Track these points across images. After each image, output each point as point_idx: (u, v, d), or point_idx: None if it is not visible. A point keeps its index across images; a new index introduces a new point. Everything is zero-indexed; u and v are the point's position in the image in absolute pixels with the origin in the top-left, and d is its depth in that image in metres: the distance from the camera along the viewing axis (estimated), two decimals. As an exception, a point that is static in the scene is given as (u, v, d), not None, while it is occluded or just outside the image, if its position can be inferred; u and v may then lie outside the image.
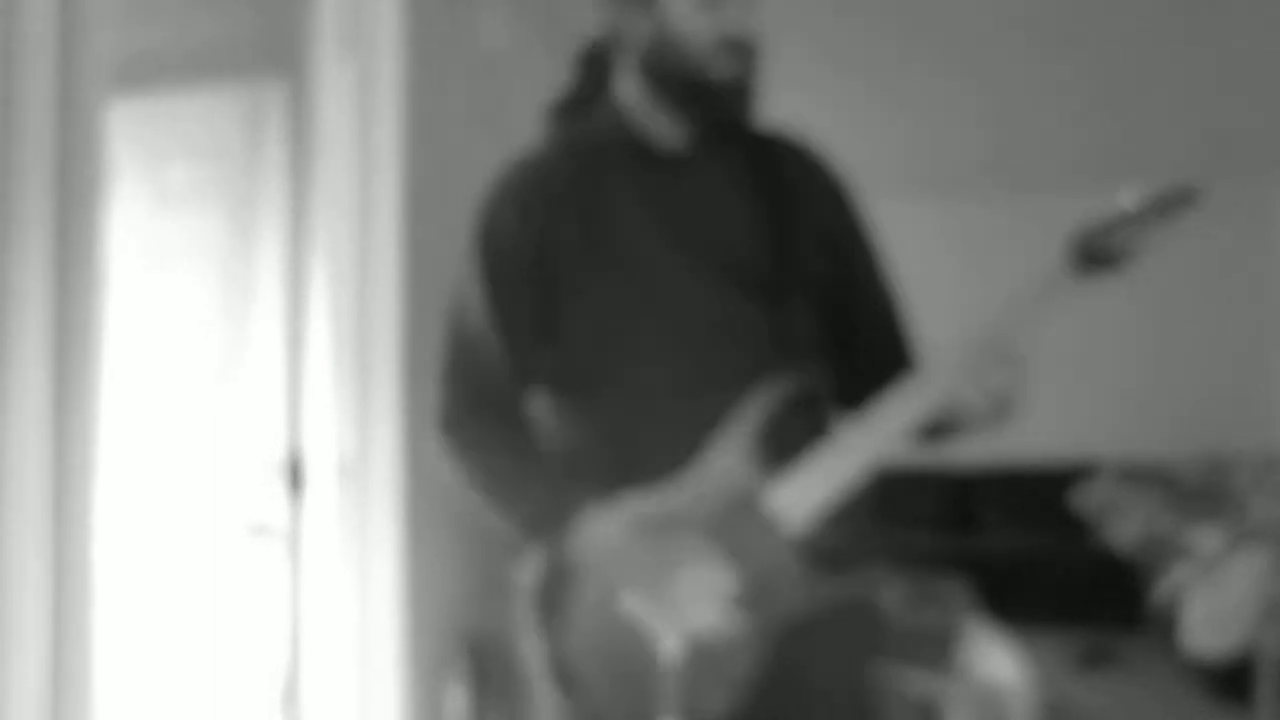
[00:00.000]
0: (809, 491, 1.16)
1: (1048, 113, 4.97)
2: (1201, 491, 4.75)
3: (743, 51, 1.22)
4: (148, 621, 2.29)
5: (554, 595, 1.20)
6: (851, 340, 1.34)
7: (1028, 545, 5.41)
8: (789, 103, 1.47)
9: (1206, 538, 4.11)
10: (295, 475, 2.15)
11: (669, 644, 1.13)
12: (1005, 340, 1.18)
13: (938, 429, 1.26)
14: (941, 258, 5.74)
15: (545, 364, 1.28)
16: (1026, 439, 5.83)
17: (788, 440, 1.18)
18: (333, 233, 2.12)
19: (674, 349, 1.22)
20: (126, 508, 2.21)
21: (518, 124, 2.71)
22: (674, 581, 1.12)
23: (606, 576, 1.15)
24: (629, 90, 1.30)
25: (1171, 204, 1.17)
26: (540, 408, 1.31)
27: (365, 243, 2.13)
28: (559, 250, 1.25)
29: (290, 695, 2.14)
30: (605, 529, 1.15)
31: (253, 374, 2.28)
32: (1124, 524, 4.67)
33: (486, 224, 1.30)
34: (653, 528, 1.14)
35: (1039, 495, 5.61)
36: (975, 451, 6.03)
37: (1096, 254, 1.18)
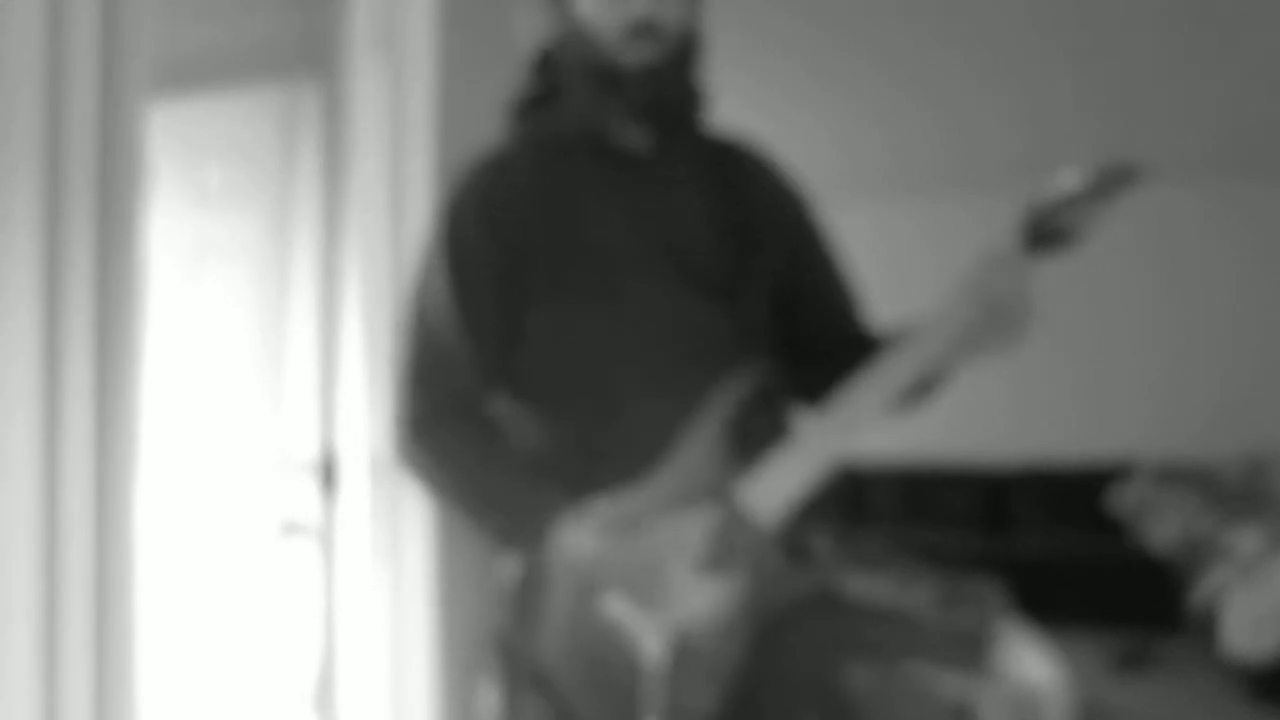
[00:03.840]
0: (776, 486, 1.16)
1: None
2: (1240, 492, 4.69)
3: (656, 36, 1.23)
4: (182, 619, 2.31)
5: (529, 599, 1.21)
6: (808, 337, 1.37)
7: (1064, 546, 5.36)
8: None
9: (1245, 539, 4.06)
10: (328, 473, 2.17)
11: (653, 645, 1.13)
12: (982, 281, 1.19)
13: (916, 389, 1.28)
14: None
15: (511, 366, 1.28)
16: (1063, 439, 5.78)
17: (752, 437, 1.20)
18: (367, 232, 2.13)
19: (638, 349, 1.23)
20: (161, 505, 2.23)
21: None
22: (659, 579, 1.13)
23: (584, 581, 1.15)
24: (582, 89, 1.30)
25: (1112, 182, 1.15)
26: (505, 411, 1.31)
27: (399, 242, 2.14)
28: (525, 250, 1.26)
29: (323, 692, 2.16)
30: (579, 536, 1.15)
31: (287, 372, 2.30)
32: (1161, 524, 4.62)
33: (451, 224, 1.30)
34: (628, 529, 1.15)
35: (1075, 495, 5.56)
36: (1011, 451, 5.99)
37: (1045, 232, 1.17)
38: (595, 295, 1.24)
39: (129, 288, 1.33)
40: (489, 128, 2.52)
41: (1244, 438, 5.38)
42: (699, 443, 1.18)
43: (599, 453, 1.23)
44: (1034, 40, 4.12)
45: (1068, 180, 1.17)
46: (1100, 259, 5.33)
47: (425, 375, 1.29)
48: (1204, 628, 4.13)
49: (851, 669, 1.31)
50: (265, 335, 2.34)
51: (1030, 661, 2.32)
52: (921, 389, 1.30)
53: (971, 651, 1.37)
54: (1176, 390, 5.74)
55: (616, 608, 1.14)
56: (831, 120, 4.95)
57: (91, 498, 1.26)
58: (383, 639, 2.08)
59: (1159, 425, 5.72)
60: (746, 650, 1.16)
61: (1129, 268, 5.67)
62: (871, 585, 1.37)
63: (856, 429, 1.19)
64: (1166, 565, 4.67)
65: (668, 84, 1.26)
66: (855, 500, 5.64)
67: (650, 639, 1.13)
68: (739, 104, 1.43)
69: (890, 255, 5.66)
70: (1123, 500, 4.94)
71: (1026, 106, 4.83)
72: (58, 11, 1.25)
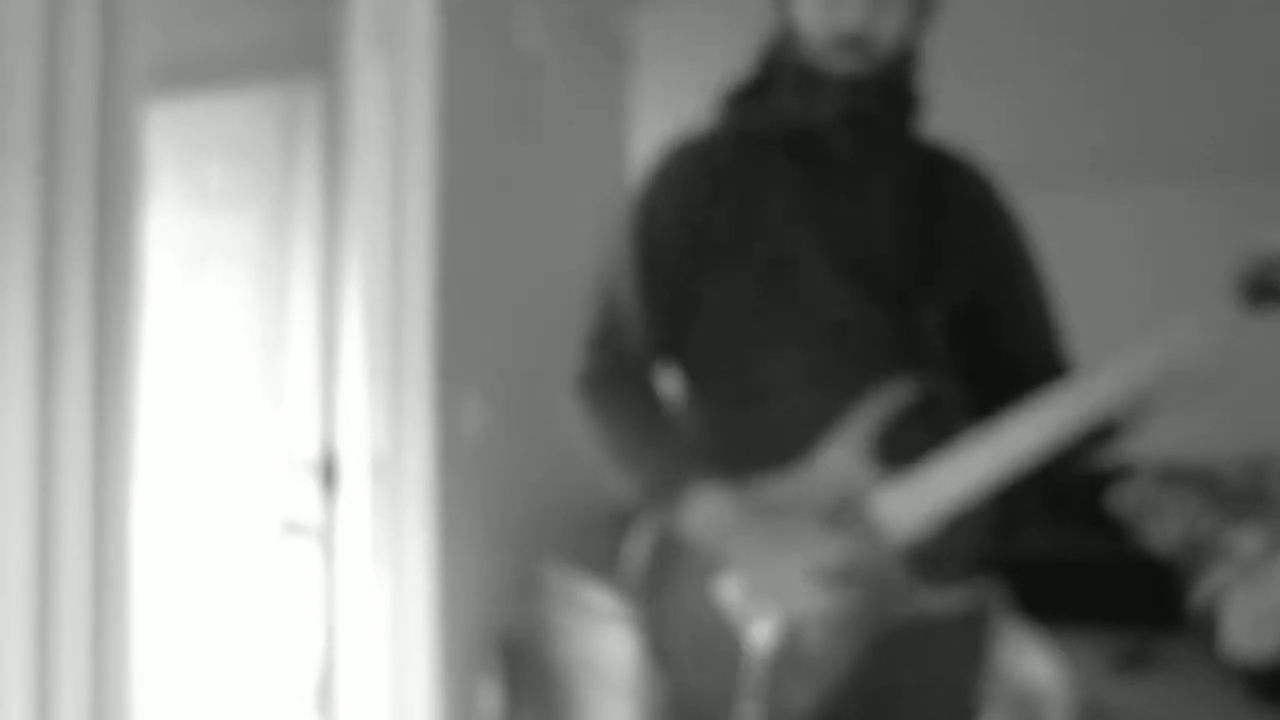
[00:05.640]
0: (922, 500, 1.15)
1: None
2: (1241, 492, 4.69)
3: (864, 48, 1.21)
4: (183, 618, 2.31)
5: (660, 569, 1.23)
6: (997, 360, 1.32)
7: (1064, 546, 5.36)
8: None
9: (1246, 539, 4.05)
10: (329, 473, 2.17)
11: (760, 631, 1.14)
12: (1173, 377, 1.13)
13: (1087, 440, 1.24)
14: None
15: (683, 342, 1.30)
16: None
17: (909, 447, 1.18)
18: (367, 232, 2.13)
19: (801, 344, 1.23)
20: (162, 505, 2.23)
21: (551, 123, 2.72)
22: (778, 564, 1.13)
23: (711, 555, 1.18)
24: (789, 89, 1.29)
25: None
26: (673, 384, 1.33)
27: (399, 242, 2.14)
28: (710, 233, 1.27)
29: (324, 692, 2.16)
30: (716, 507, 1.16)
31: (287, 372, 2.30)
32: (1162, 525, 4.62)
33: (646, 198, 1.31)
34: (761, 513, 1.16)
35: (1076, 495, 5.55)
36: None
37: (1271, 287, 1.08)
38: (767, 287, 1.25)
39: (127, 288, 1.33)
40: (488, 126, 2.53)
41: (1244, 438, 5.37)
42: (845, 445, 1.18)
43: (745, 438, 1.24)
44: (1032, 40, 4.11)
45: None
46: (1100, 259, 5.32)
47: (601, 338, 1.31)
48: (1204, 628, 4.13)
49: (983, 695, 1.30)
50: (265, 335, 2.34)
51: (1032, 661, 2.32)
52: (1104, 435, 1.26)
53: (972, 651, 1.35)
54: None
55: (734, 590, 1.16)
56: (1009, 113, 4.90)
57: (88, 499, 1.26)
58: (383, 639, 2.07)
59: (1159, 425, 5.72)
60: (857, 659, 1.15)
61: (1127, 266, 5.66)
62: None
63: (1013, 461, 1.16)
64: (1167, 565, 4.67)
65: (871, 96, 1.25)
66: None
67: (759, 628, 1.14)
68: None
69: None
70: (1123, 500, 4.93)
71: (1024, 107, 4.82)
72: (56, 11, 1.24)
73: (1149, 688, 4.08)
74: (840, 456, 1.18)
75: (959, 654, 1.25)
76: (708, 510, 1.17)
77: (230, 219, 2.38)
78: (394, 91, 2.14)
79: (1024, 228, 1.35)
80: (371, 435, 2.10)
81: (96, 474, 1.27)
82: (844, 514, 1.16)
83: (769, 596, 1.14)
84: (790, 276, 1.24)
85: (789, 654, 1.14)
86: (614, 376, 1.29)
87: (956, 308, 1.28)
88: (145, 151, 1.37)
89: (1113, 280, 5.67)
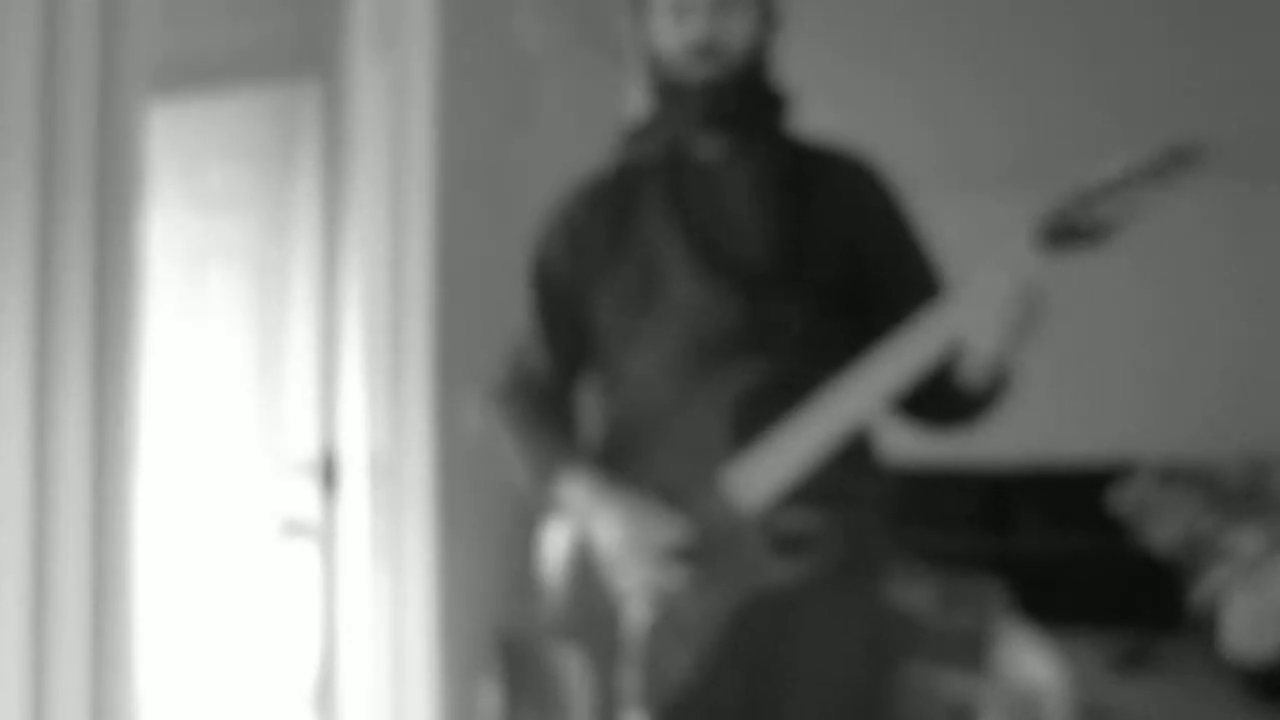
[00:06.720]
0: (769, 470, 1.24)
1: (1067, 108, 4.92)
2: (1242, 492, 4.69)
3: (717, 55, 1.33)
4: (183, 618, 2.31)
5: (576, 561, 1.36)
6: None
7: (1064, 546, 5.36)
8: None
9: (1246, 539, 4.06)
10: (329, 474, 2.17)
11: (637, 605, 1.25)
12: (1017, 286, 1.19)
13: (921, 400, 1.33)
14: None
15: (581, 358, 1.45)
16: (1063, 438, 5.78)
17: (765, 428, 1.26)
18: (367, 233, 2.13)
19: (669, 338, 1.33)
20: (162, 505, 2.23)
21: (551, 123, 2.72)
22: (631, 544, 1.24)
23: (581, 535, 1.33)
24: (656, 106, 1.42)
25: (1167, 166, 1.14)
26: (584, 397, 1.48)
27: (399, 243, 2.14)
28: (592, 257, 1.40)
29: (323, 693, 2.16)
30: (580, 492, 1.31)
31: (287, 373, 2.30)
32: (1162, 525, 4.62)
33: (541, 241, 1.48)
34: (618, 496, 1.28)
35: (1075, 495, 5.55)
36: (1012, 451, 5.98)
37: (1073, 229, 1.17)
38: (642, 294, 1.35)
39: (127, 288, 1.33)
40: (488, 127, 2.53)
41: (1244, 438, 5.37)
42: (697, 427, 1.27)
43: (622, 427, 1.37)
44: (1031, 40, 4.12)
45: (1109, 169, 1.15)
46: (1100, 258, 5.32)
47: (508, 359, 1.49)
48: (1204, 628, 4.13)
49: (894, 671, 1.35)
50: (265, 336, 2.34)
51: (1031, 661, 2.32)
52: (983, 394, 1.31)
53: (972, 652, 1.37)
54: (1176, 390, 5.74)
55: (605, 548, 1.27)
56: (829, 121, 4.95)
57: (88, 499, 1.26)
58: (383, 638, 2.08)
59: (1159, 425, 5.71)
60: (722, 627, 1.23)
61: (1129, 267, 5.66)
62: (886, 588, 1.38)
63: (845, 421, 1.24)
64: (1167, 565, 4.67)
65: (729, 97, 1.35)
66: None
67: (634, 598, 1.25)
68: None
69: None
70: (1123, 500, 4.93)
71: (1022, 106, 4.82)
72: (55, 11, 1.24)
73: (1149, 688, 4.09)
74: (693, 439, 1.28)
75: (829, 620, 1.30)
76: (574, 495, 1.32)
77: (230, 219, 2.38)
78: (394, 91, 2.14)
79: (906, 212, 1.44)
80: (371, 435, 2.10)
81: (96, 474, 1.27)
82: (699, 491, 1.25)
83: (624, 574, 1.25)
84: (661, 281, 1.35)
85: (665, 622, 1.24)
86: (518, 393, 1.46)
87: (833, 289, 1.35)
88: (145, 152, 1.37)
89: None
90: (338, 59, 2.21)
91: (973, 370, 1.26)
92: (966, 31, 4.05)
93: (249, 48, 2.40)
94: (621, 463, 1.34)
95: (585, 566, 1.33)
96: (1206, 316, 5.74)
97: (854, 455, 1.31)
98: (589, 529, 1.31)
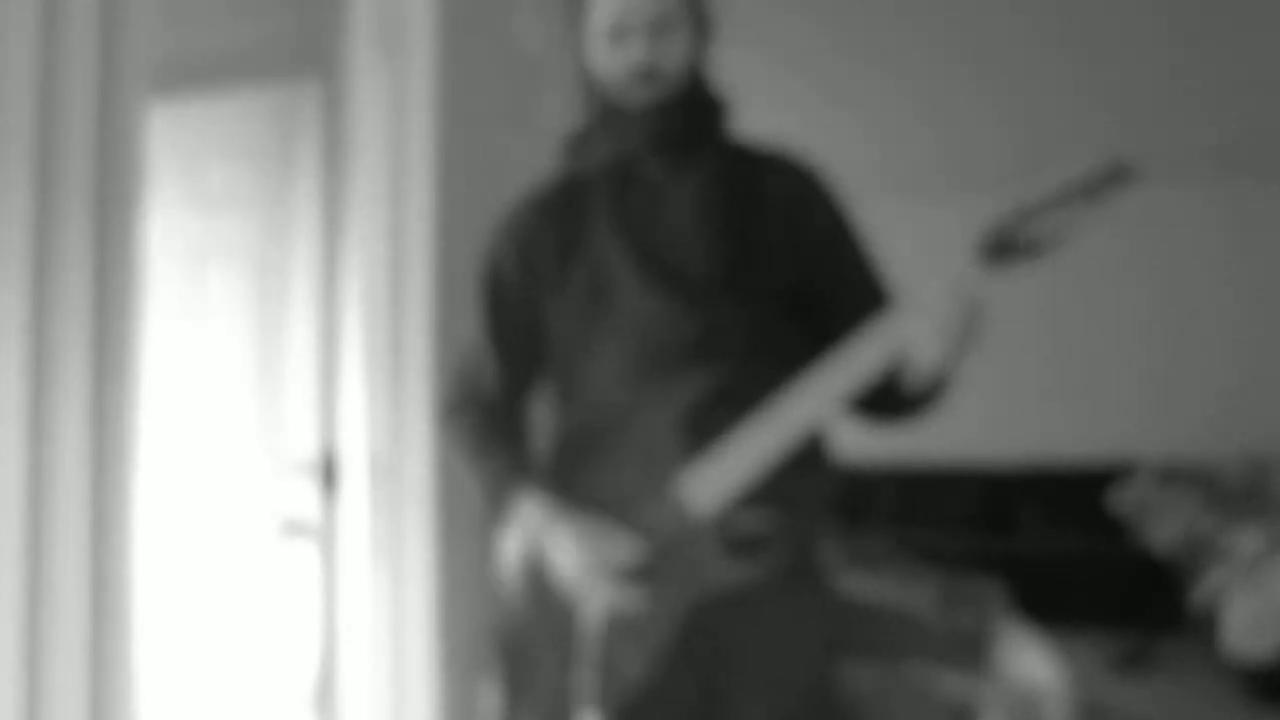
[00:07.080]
0: (720, 475, 1.25)
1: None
2: (1242, 492, 4.69)
3: (656, 79, 1.34)
4: (182, 619, 2.31)
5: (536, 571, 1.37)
6: (833, 338, 1.39)
7: (1064, 546, 5.36)
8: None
9: (1246, 539, 4.06)
10: (329, 473, 2.17)
11: (592, 610, 1.27)
12: (958, 300, 1.22)
13: (873, 400, 1.36)
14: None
15: (533, 372, 1.46)
16: (1063, 439, 5.78)
17: (716, 433, 1.28)
18: (367, 232, 2.13)
19: (617, 350, 1.34)
20: (161, 505, 2.23)
21: (550, 123, 2.71)
22: (582, 562, 1.26)
23: (536, 546, 1.34)
24: (600, 128, 1.43)
25: (1101, 184, 1.16)
26: (537, 407, 1.49)
27: (399, 243, 2.14)
28: (542, 272, 1.41)
29: (323, 692, 2.16)
30: (533, 510, 1.33)
31: (287, 373, 2.30)
32: (1162, 524, 4.62)
33: (491, 254, 1.48)
34: (569, 514, 1.30)
35: (1075, 495, 5.55)
36: (1012, 451, 5.97)
37: (1011, 244, 1.19)
38: (591, 308, 1.36)
39: (127, 288, 1.32)
40: (488, 127, 2.53)
41: (1244, 438, 5.37)
42: (651, 434, 1.29)
43: (575, 439, 1.37)
44: (1030, 40, 4.12)
45: (1042, 188, 1.18)
46: (1100, 259, 5.33)
47: (460, 376, 1.50)
48: (1204, 628, 4.13)
49: (851, 669, 1.35)
50: (265, 336, 2.34)
51: (1031, 661, 2.32)
52: (925, 396, 1.34)
53: (972, 651, 1.38)
54: (1176, 390, 5.74)
55: (561, 570, 1.29)
56: (828, 121, 4.95)
57: (87, 500, 1.26)
58: (383, 638, 2.07)
59: (1159, 425, 5.71)
60: (676, 627, 1.25)
61: (1129, 267, 5.67)
62: (871, 584, 1.39)
63: (794, 428, 1.25)
64: (1167, 565, 4.67)
65: (673, 118, 1.36)
66: (855, 500, 5.64)
67: (589, 604, 1.27)
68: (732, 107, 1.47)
69: (885, 255, 5.64)
70: (1123, 500, 4.93)
71: (1021, 107, 4.82)
72: (55, 11, 1.24)
73: (1149, 688, 4.09)
74: (643, 447, 1.29)
75: (781, 619, 1.32)
76: (528, 514, 1.34)
77: (230, 219, 2.38)
78: (394, 91, 2.14)
79: (848, 214, 1.45)
80: (371, 435, 2.10)
81: (95, 474, 1.27)
82: (653, 497, 1.27)
83: (581, 596, 1.28)
84: (610, 291, 1.36)
85: (620, 623, 1.26)
86: (469, 406, 1.47)
87: (780, 294, 1.37)
88: (145, 152, 1.37)
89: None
90: (338, 59, 2.21)
91: (916, 377, 1.29)
92: (959, 27, 4.05)
93: (249, 48, 2.40)
94: (576, 471, 1.35)
95: (539, 571, 1.34)
96: (1206, 316, 5.74)
97: (804, 458, 1.32)
98: (544, 548, 1.32)
